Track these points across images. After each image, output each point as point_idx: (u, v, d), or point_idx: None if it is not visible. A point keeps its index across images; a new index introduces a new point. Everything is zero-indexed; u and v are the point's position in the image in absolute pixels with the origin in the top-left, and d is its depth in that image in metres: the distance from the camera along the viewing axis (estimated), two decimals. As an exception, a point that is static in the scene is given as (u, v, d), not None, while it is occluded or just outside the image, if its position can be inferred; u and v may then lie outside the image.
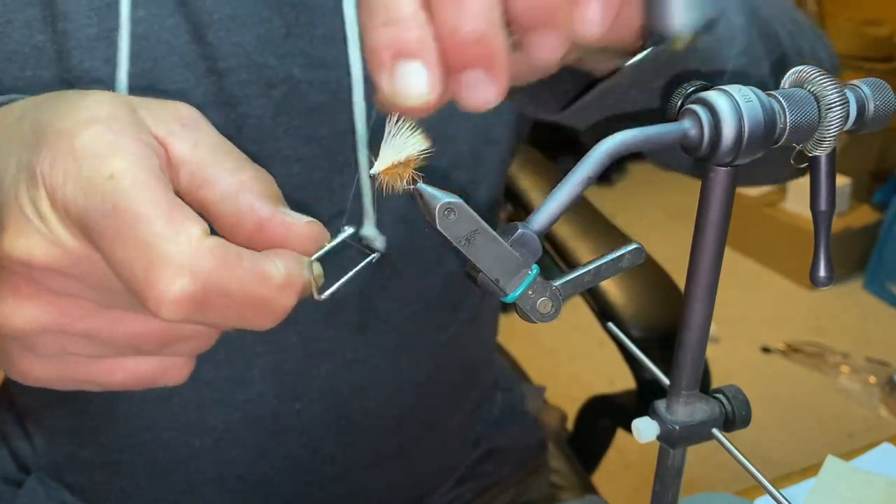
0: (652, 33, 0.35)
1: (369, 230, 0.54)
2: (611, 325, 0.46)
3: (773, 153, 0.30)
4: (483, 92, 0.29)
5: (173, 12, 0.48)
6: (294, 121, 0.52)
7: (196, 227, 0.29)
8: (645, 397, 0.79)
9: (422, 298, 0.61)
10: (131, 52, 0.47)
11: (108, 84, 0.47)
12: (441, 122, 0.55)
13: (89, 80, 0.47)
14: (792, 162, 0.33)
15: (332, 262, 0.57)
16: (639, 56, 0.38)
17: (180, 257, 0.28)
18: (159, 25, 0.48)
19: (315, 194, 0.54)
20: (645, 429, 0.35)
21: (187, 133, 0.33)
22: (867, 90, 0.31)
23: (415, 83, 0.28)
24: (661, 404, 0.35)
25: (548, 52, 0.31)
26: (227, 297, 0.30)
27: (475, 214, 0.27)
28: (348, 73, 0.50)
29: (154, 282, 0.28)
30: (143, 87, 0.48)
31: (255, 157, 0.52)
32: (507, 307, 0.34)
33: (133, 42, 0.47)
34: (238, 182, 0.33)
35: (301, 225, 0.34)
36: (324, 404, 0.60)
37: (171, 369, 0.35)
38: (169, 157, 0.32)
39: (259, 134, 0.51)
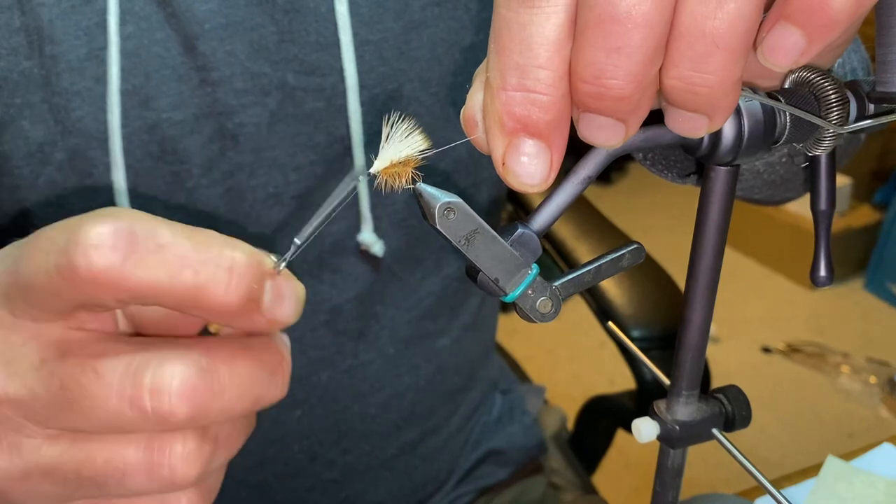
0: (883, 98, 0.30)
1: (367, 235, 0.54)
2: (611, 325, 0.46)
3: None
4: (605, 135, 0.26)
5: (163, 25, 0.47)
6: (290, 128, 0.51)
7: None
8: (645, 397, 0.79)
9: (421, 304, 0.61)
10: (122, 69, 0.46)
11: (100, 103, 0.47)
12: (441, 126, 0.56)
13: (80, 101, 0.47)
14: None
15: (330, 266, 0.58)
16: (866, 123, 0.31)
17: (102, 213, 0.25)
18: (149, 40, 0.47)
19: (312, 201, 0.54)
20: (645, 429, 0.35)
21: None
22: (867, 89, 0.31)
23: (531, 167, 0.26)
24: (661, 404, 0.35)
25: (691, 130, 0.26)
26: (162, 247, 0.25)
27: (475, 214, 0.27)
28: (343, 79, 0.50)
29: (76, 233, 0.24)
30: (136, 103, 0.48)
31: (252, 167, 0.52)
32: (506, 307, 0.34)
33: (123, 59, 0.47)
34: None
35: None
36: (324, 410, 0.60)
37: None
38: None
39: (255, 143, 0.51)
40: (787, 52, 0.25)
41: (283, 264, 0.27)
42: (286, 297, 0.27)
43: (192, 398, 0.26)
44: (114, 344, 0.27)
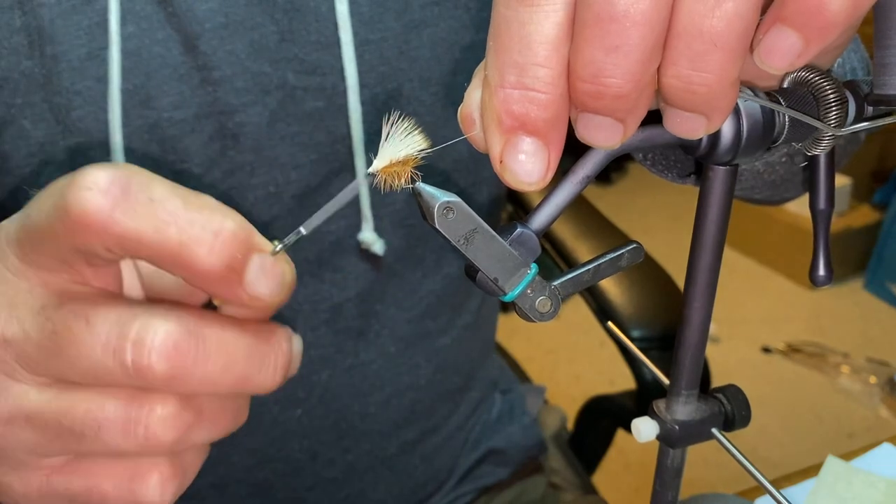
0: (881, 100, 0.30)
1: (367, 234, 0.54)
2: (611, 324, 0.46)
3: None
4: (603, 135, 0.25)
5: (164, 25, 0.47)
6: (290, 127, 0.51)
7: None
8: (645, 397, 0.79)
9: (422, 303, 0.61)
10: (123, 69, 0.47)
11: (101, 102, 0.47)
12: (441, 125, 0.56)
13: (81, 101, 0.47)
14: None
15: (330, 265, 0.58)
16: (863, 125, 0.31)
17: (108, 164, 0.27)
18: (150, 39, 0.47)
19: (313, 200, 0.54)
20: (645, 429, 0.35)
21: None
22: (866, 89, 0.31)
23: (529, 165, 0.26)
24: (660, 404, 0.35)
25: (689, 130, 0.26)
26: (153, 201, 0.26)
27: (474, 213, 0.27)
28: (343, 78, 0.50)
29: (76, 176, 0.26)
30: (136, 102, 0.48)
31: (252, 166, 0.52)
32: (506, 307, 0.34)
33: (124, 58, 0.47)
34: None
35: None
36: (324, 409, 0.60)
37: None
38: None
39: (256, 142, 0.51)
40: (783, 54, 0.25)
41: (280, 247, 0.28)
42: (270, 276, 0.27)
43: (172, 357, 0.26)
44: (111, 299, 0.28)
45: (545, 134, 0.25)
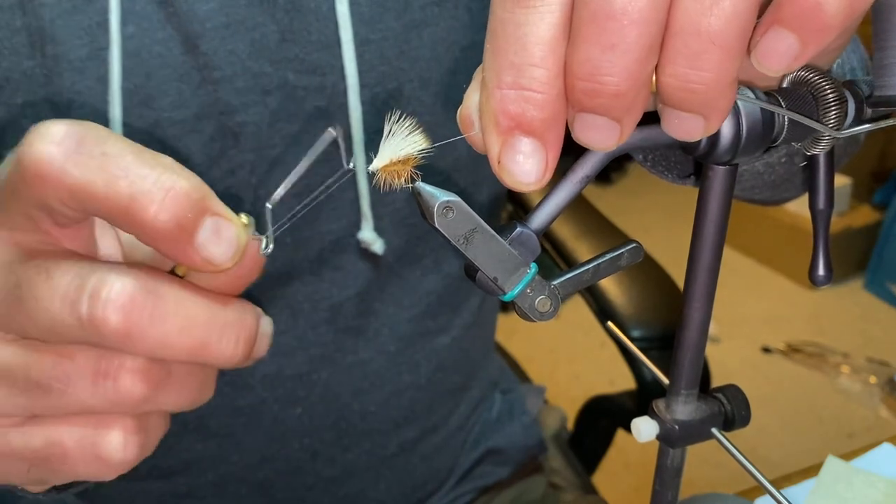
0: (882, 101, 0.30)
1: (367, 233, 0.54)
2: (610, 324, 0.46)
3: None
4: (600, 136, 0.25)
5: (164, 25, 0.47)
6: (291, 127, 0.51)
7: None
8: (645, 397, 0.79)
9: (421, 301, 0.62)
10: (123, 69, 0.47)
11: (102, 102, 0.47)
12: (441, 125, 0.56)
13: (81, 101, 0.47)
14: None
15: (330, 264, 0.58)
16: (864, 127, 0.30)
17: (70, 120, 0.27)
18: (150, 39, 0.47)
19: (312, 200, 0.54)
20: (645, 428, 0.35)
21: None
22: (866, 89, 0.31)
23: (527, 165, 0.26)
24: (660, 404, 0.35)
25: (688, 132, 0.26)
26: (106, 155, 0.26)
27: (473, 213, 0.27)
28: (343, 78, 0.50)
29: (34, 129, 0.26)
30: (136, 102, 0.48)
31: (253, 165, 0.52)
32: (506, 306, 0.34)
33: (125, 58, 0.47)
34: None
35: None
36: (324, 408, 0.60)
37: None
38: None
39: (256, 141, 0.51)
40: (780, 56, 0.25)
41: (247, 220, 0.28)
42: (223, 239, 0.27)
43: (128, 312, 0.26)
44: (77, 256, 0.28)
45: (542, 134, 0.25)
